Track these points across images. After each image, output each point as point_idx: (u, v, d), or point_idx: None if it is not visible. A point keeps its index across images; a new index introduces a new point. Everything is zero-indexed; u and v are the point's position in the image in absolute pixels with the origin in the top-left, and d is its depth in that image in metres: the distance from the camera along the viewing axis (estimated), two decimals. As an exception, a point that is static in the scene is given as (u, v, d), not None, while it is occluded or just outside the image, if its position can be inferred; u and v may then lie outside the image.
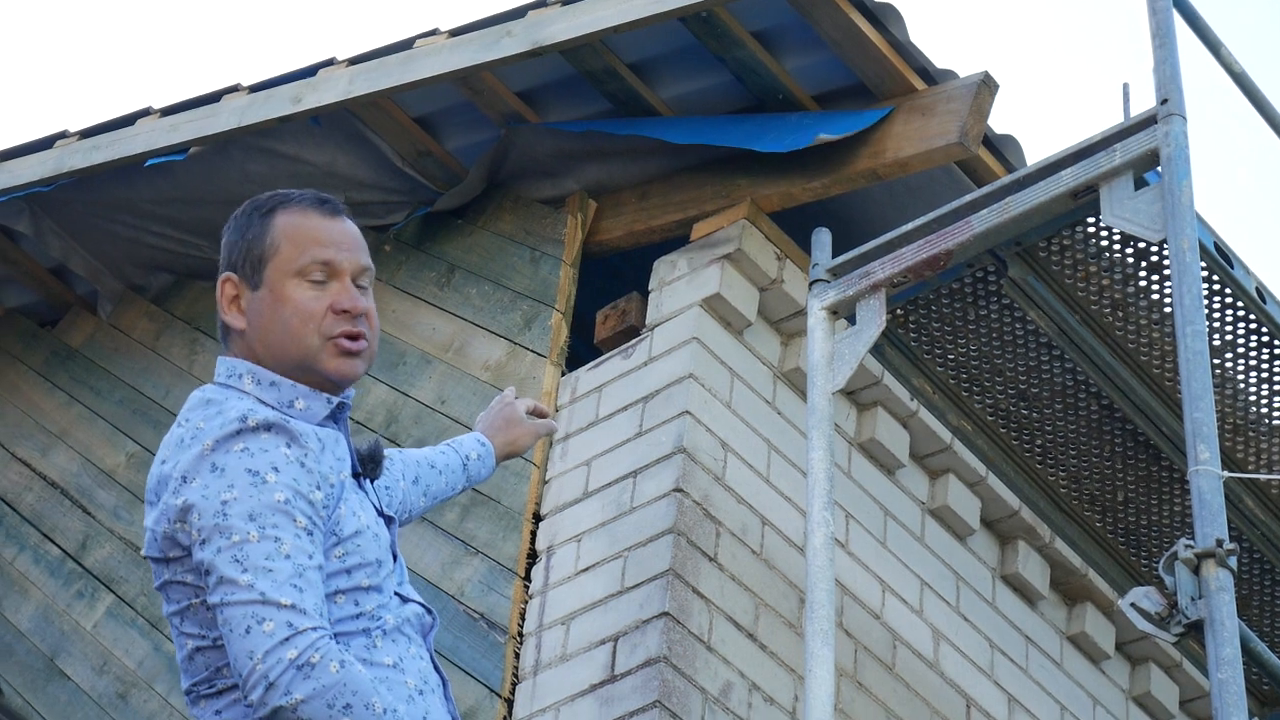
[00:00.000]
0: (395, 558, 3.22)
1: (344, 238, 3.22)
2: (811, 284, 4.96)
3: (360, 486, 3.20)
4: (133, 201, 6.91)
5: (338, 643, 2.96)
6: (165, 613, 3.10)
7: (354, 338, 3.17)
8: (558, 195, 6.14)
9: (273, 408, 3.10)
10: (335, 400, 3.18)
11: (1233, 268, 4.63)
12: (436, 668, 3.18)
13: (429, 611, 3.22)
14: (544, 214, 6.12)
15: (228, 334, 3.23)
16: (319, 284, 3.17)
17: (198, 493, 2.98)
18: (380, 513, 3.23)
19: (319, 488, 3.03)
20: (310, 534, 2.99)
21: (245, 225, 3.24)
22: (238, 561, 2.92)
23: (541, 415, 4.23)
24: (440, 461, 3.91)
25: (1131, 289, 4.73)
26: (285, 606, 2.90)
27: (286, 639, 2.89)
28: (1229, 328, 4.75)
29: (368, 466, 3.29)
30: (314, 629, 2.91)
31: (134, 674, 6.21)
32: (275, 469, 2.99)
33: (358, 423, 5.96)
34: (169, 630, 6.13)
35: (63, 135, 6.88)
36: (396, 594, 3.17)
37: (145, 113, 6.70)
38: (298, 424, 3.06)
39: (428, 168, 6.38)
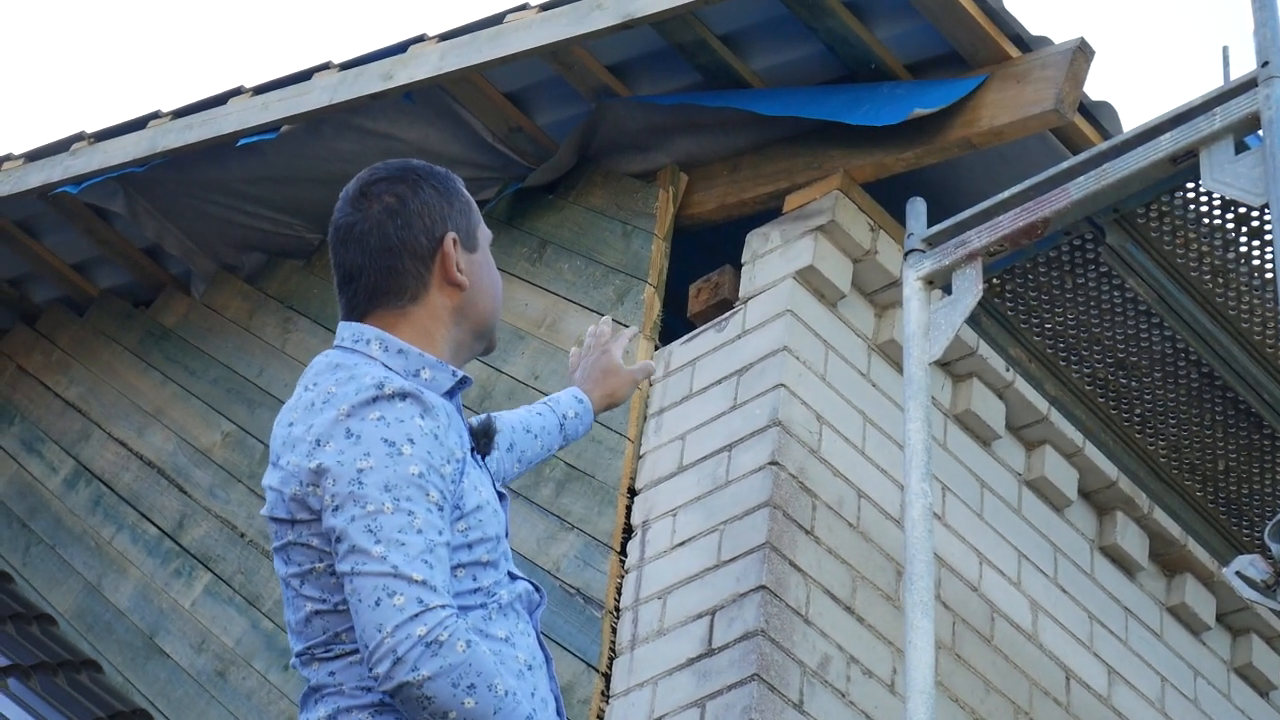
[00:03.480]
0: (506, 535, 3.22)
1: None
2: (906, 254, 4.92)
3: (478, 463, 3.20)
4: (225, 181, 6.94)
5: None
6: (282, 574, 3.09)
7: None
8: (649, 169, 6.13)
9: (399, 375, 3.10)
10: (460, 374, 3.19)
11: (1335, 232, 4.56)
12: (542, 645, 3.18)
13: (537, 589, 3.23)
14: (635, 188, 6.11)
15: (384, 300, 3.21)
16: None
17: (333, 457, 2.98)
18: (496, 489, 3.23)
19: (449, 462, 3.03)
20: (440, 509, 2.99)
21: (448, 190, 3.29)
22: (371, 532, 2.93)
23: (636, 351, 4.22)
24: (536, 424, 3.91)
25: (1232, 255, 4.66)
26: (416, 582, 2.91)
27: (416, 615, 2.89)
28: (1332, 293, 4.68)
29: (481, 442, 3.29)
30: (443, 606, 2.91)
31: (232, 651, 6.24)
32: (411, 440, 2.99)
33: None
34: (266, 607, 6.21)
35: (156, 115, 6.91)
36: (508, 571, 3.17)
37: (237, 92, 6.72)
38: (429, 395, 3.06)
39: (519, 143, 6.38)
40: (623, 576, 5.38)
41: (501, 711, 2.92)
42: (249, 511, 6.53)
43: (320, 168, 6.70)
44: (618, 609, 5.33)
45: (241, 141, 6.66)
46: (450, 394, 3.19)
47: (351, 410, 3.01)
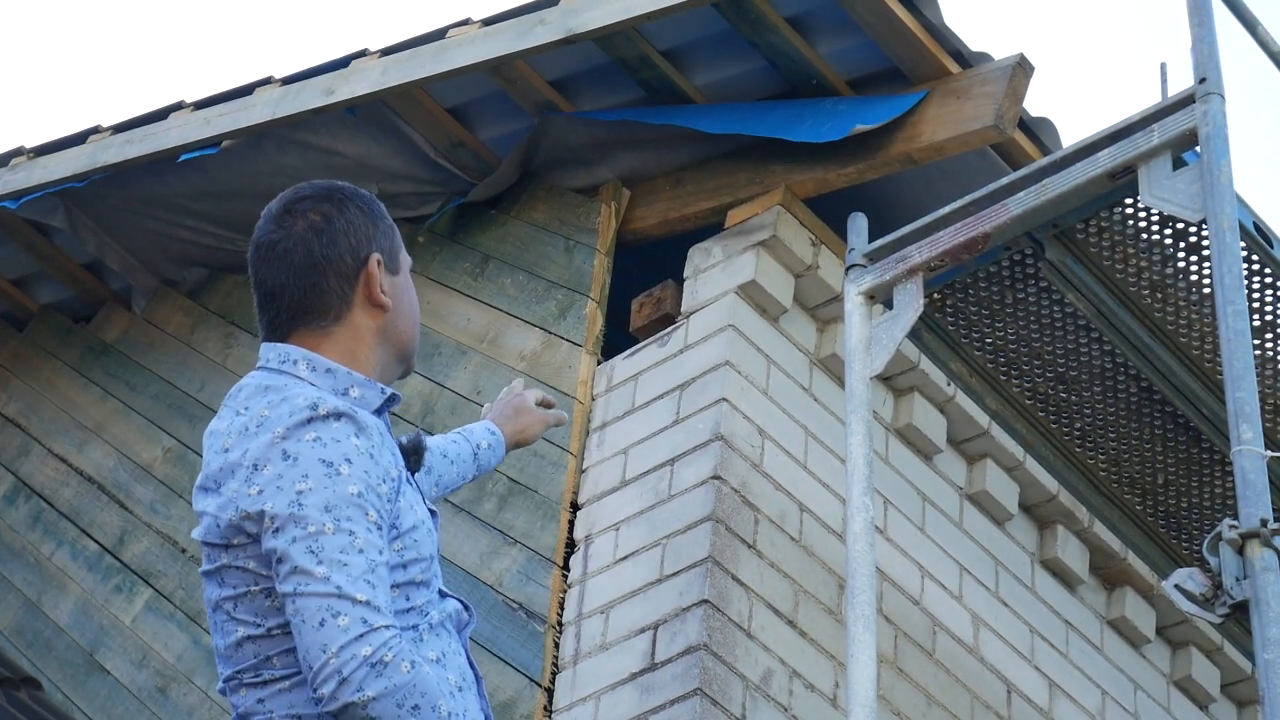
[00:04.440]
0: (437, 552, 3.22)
1: None
2: (848, 269, 4.94)
3: (411, 482, 3.20)
4: (166, 196, 6.91)
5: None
6: (214, 598, 3.07)
7: None
8: (591, 184, 6.13)
9: (329, 395, 3.09)
10: (388, 391, 3.18)
11: (1273, 247, 4.60)
12: (472, 664, 3.18)
13: (467, 608, 3.22)
14: (578, 203, 6.11)
15: (306, 319, 3.19)
16: None
17: (271, 481, 2.97)
18: (428, 507, 3.23)
19: (385, 480, 3.03)
20: (379, 528, 2.99)
21: (373, 212, 3.28)
22: (313, 553, 2.92)
23: (548, 406, 4.27)
24: (452, 451, 3.91)
25: (1170, 270, 4.70)
26: (360, 602, 2.90)
27: (361, 635, 2.88)
28: (1269, 308, 4.72)
29: (412, 460, 3.29)
30: (387, 627, 2.91)
31: (173, 668, 6.21)
32: (348, 460, 2.98)
33: (393, 414, 5.96)
34: (208, 623, 6.18)
35: (96, 130, 6.88)
36: (439, 590, 3.17)
37: (178, 106, 6.70)
38: (363, 414, 3.05)
39: (461, 158, 6.37)
40: (565, 591, 5.38)
41: None
42: (190, 527, 6.50)
43: (262, 182, 6.67)
44: (560, 624, 5.32)
45: (183, 157, 6.64)
46: (379, 412, 3.18)
47: (287, 432, 3.00)
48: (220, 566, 3.05)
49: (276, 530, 2.95)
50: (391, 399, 3.19)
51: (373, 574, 2.93)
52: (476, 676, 3.17)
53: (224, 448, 3.07)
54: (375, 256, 3.22)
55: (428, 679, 2.92)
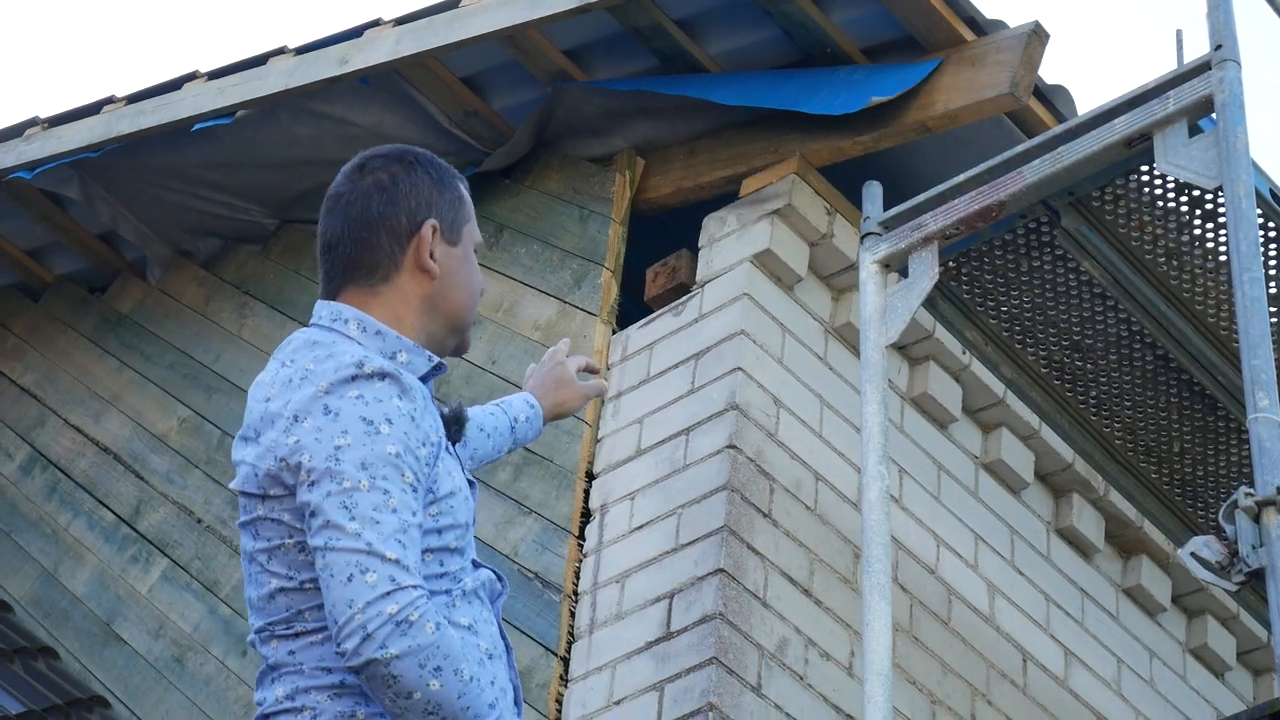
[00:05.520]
0: (473, 522, 3.22)
1: None
2: (863, 237, 4.94)
3: (450, 450, 3.20)
4: (180, 166, 6.91)
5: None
6: (249, 549, 3.07)
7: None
8: (605, 153, 6.13)
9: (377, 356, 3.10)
10: (435, 359, 3.18)
11: (1289, 214, 4.59)
12: (503, 634, 3.18)
13: (500, 579, 3.22)
14: (592, 172, 6.11)
15: (356, 275, 3.20)
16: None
17: (310, 434, 2.98)
18: (466, 477, 3.23)
19: (424, 444, 3.03)
20: (414, 490, 2.99)
21: (442, 181, 3.27)
22: (346, 508, 2.92)
23: (593, 372, 4.24)
24: (489, 424, 3.91)
25: (1186, 237, 4.69)
26: (390, 560, 2.90)
27: (388, 593, 2.88)
28: (1286, 275, 4.71)
29: (453, 430, 3.28)
30: (415, 587, 2.91)
31: (190, 637, 6.23)
32: (389, 420, 2.98)
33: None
34: (223, 593, 6.20)
35: (110, 100, 6.88)
36: (472, 560, 3.17)
37: (192, 76, 6.70)
38: (407, 377, 3.06)
39: (475, 128, 6.37)
40: (581, 560, 5.38)
41: (466, 696, 2.91)
42: (206, 497, 6.51)
43: (276, 152, 6.68)
44: (576, 593, 5.33)
45: (197, 126, 6.64)
46: (425, 380, 3.19)
47: (330, 387, 3.01)
48: (256, 518, 3.05)
49: (312, 484, 2.96)
50: (438, 368, 3.20)
51: (404, 534, 2.94)
52: (507, 647, 3.18)
53: (266, 397, 3.08)
54: (431, 222, 3.22)
55: (452, 641, 2.92)
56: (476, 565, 3.18)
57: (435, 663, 2.89)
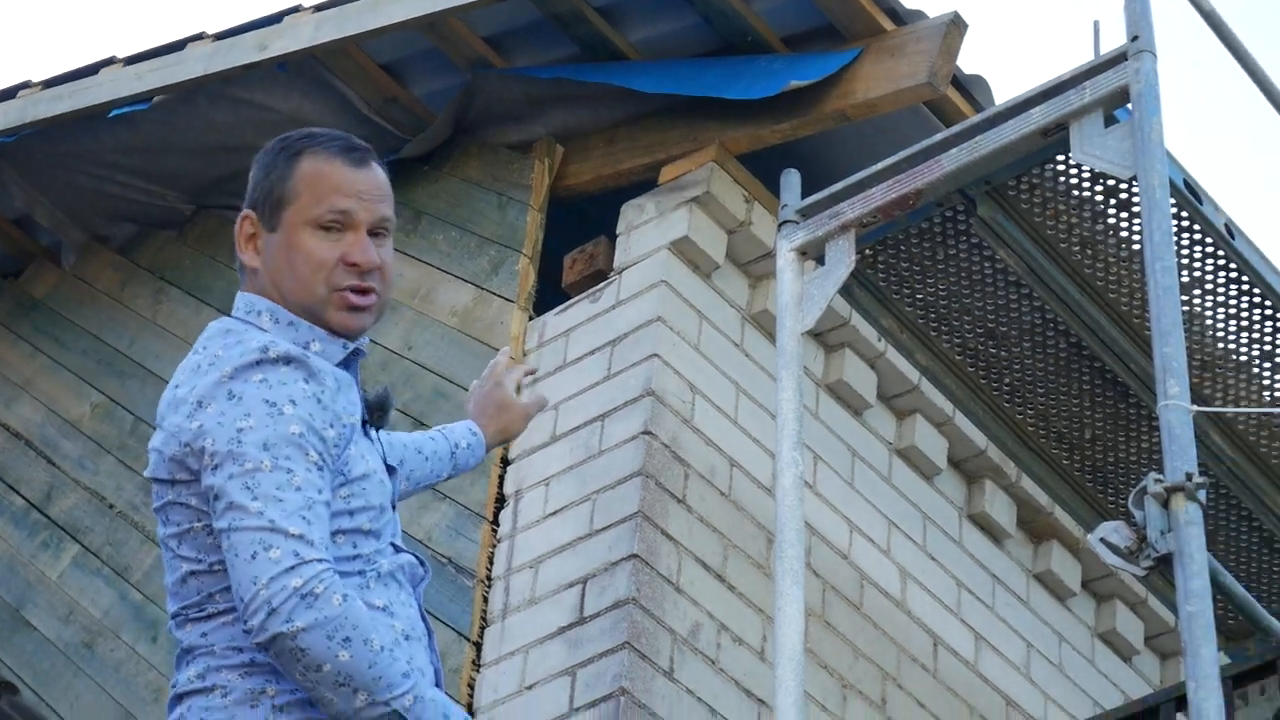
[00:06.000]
0: (393, 509, 3.22)
1: (367, 187, 3.19)
2: (780, 225, 4.95)
3: (368, 435, 3.20)
4: (97, 151, 6.87)
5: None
6: (161, 535, 3.09)
7: (361, 292, 3.16)
8: (525, 140, 6.12)
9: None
10: (350, 346, 3.17)
11: (1202, 205, 4.62)
12: (424, 619, 3.18)
13: (422, 564, 3.22)
14: (511, 159, 6.11)
15: (244, 271, 3.23)
16: (334, 233, 3.16)
17: (213, 418, 2.98)
18: (386, 463, 3.23)
19: (332, 425, 3.03)
20: (320, 469, 2.99)
21: (270, 164, 3.22)
22: (249, 489, 2.93)
23: (531, 374, 4.20)
24: (429, 448, 3.89)
25: (1100, 227, 4.72)
26: (293, 536, 2.91)
27: (292, 567, 2.89)
28: (1198, 265, 4.75)
29: (376, 415, 3.29)
30: (319, 560, 2.91)
31: (100, 623, 6.19)
32: (292, 401, 2.99)
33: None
34: (135, 578, 6.16)
35: (26, 85, 6.84)
36: (391, 544, 3.17)
37: (109, 62, 6.66)
38: (316, 360, 3.06)
39: (394, 114, 6.36)
40: (495, 546, 5.39)
41: (377, 665, 2.91)
42: (118, 483, 6.48)
43: (194, 138, 6.65)
44: (489, 578, 5.33)
45: (114, 112, 6.61)
46: (346, 366, 3.18)
47: (234, 372, 3.02)
48: (166, 503, 3.07)
49: (216, 467, 2.96)
50: (356, 352, 3.19)
51: (309, 510, 2.94)
52: (428, 630, 3.18)
53: (176, 384, 3.09)
54: (244, 214, 3.22)
55: (359, 612, 2.92)
56: (398, 550, 3.18)
57: (344, 634, 2.89)
